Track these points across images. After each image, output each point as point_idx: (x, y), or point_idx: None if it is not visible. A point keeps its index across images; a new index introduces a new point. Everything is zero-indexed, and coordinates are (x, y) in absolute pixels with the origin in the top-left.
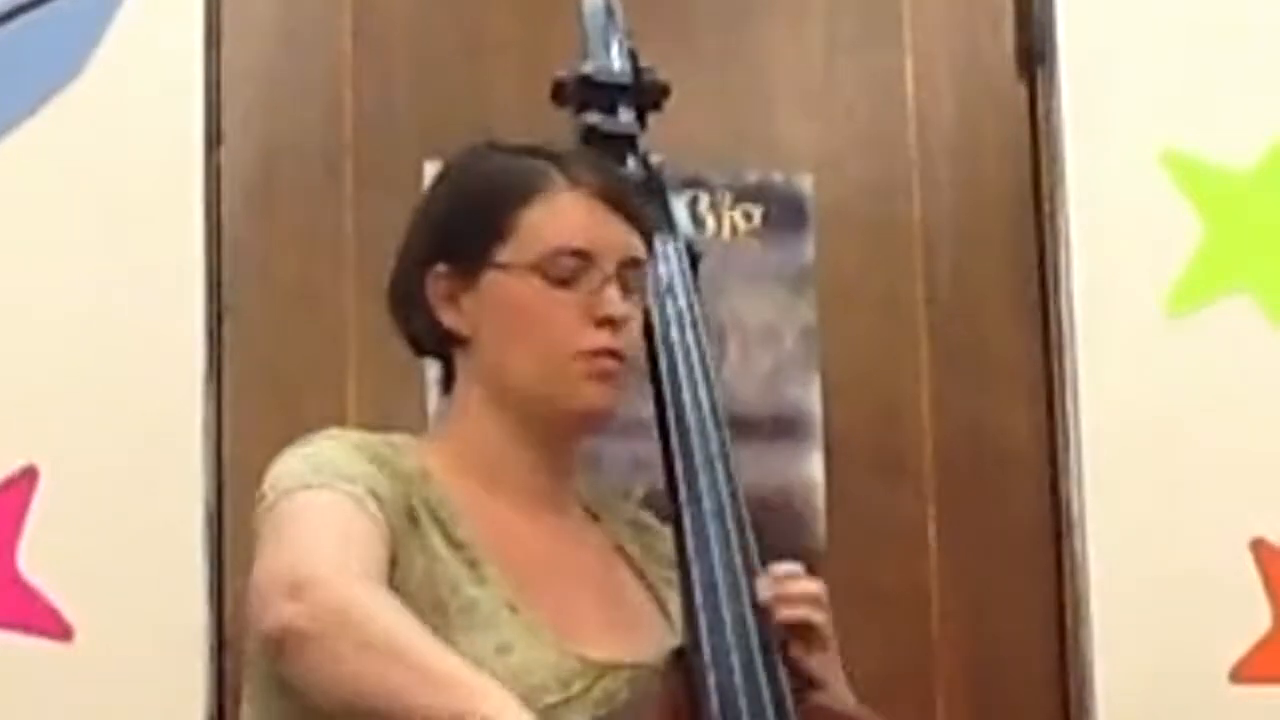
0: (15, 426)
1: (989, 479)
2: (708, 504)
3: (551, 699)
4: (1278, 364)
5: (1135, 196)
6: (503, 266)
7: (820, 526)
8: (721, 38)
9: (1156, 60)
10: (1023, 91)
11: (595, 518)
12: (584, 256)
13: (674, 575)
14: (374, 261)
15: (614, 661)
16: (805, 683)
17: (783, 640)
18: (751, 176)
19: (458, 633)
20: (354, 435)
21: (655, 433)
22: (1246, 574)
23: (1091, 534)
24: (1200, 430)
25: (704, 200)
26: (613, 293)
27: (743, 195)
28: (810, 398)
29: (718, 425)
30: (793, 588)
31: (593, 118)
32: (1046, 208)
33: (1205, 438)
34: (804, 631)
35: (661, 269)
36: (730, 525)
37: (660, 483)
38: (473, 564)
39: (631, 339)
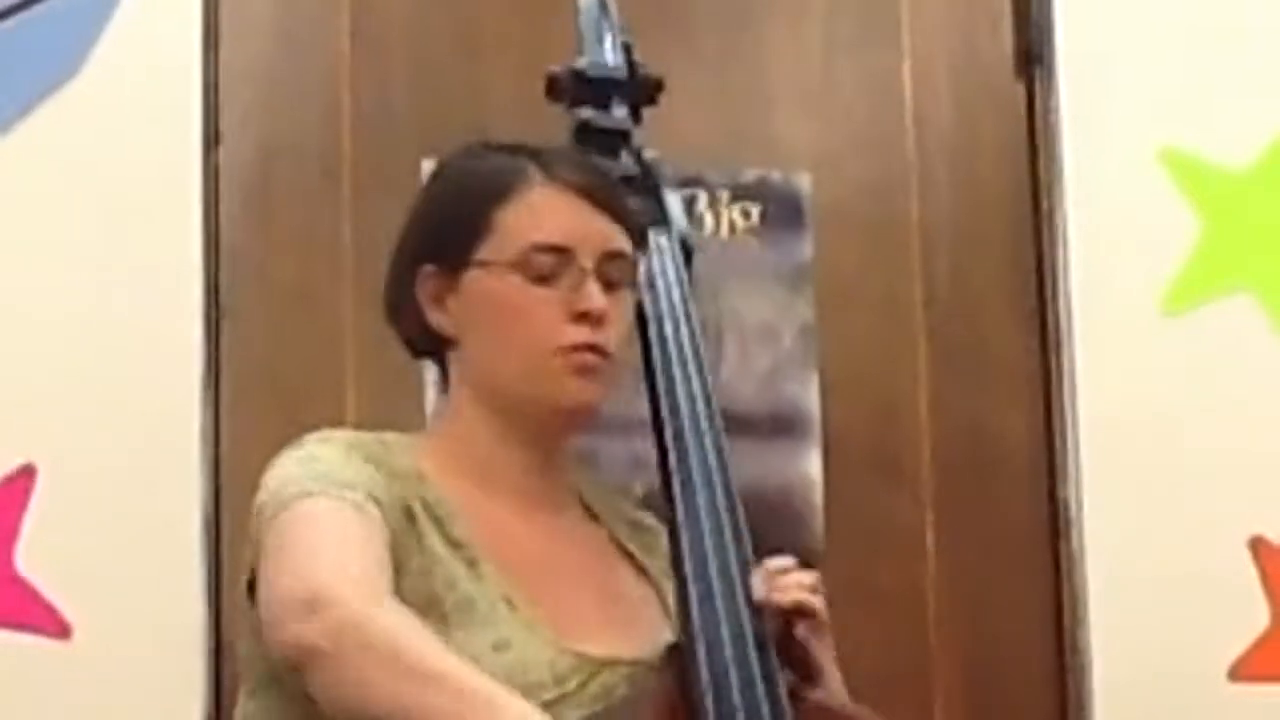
0: (14, 426)
1: (987, 478)
2: (701, 499)
3: (548, 695)
4: (1276, 363)
5: (1133, 196)
6: (483, 265)
7: (818, 525)
8: (720, 37)
9: (1154, 60)
10: (1021, 91)
11: (594, 516)
12: (562, 252)
13: None
14: (372, 263)
15: (612, 657)
16: (802, 678)
17: (778, 634)
18: (750, 175)
19: (455, 630)
20: (347, 435)
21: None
22: (1245, 573)
23: (1089, 533)
24: (1198, 429)
25: (702, 199)
26: (592, 287)
27: (741, 194)
28: (808, 396)
29: (711, 419)
30: (787, 580)
31: (586, 113)
32: (1044, 207)
33: (1203, 437)
34: (801, 616)
35: (654, 262)
36: (724, 520)
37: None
38: (470, 562)
39: (616, 333)
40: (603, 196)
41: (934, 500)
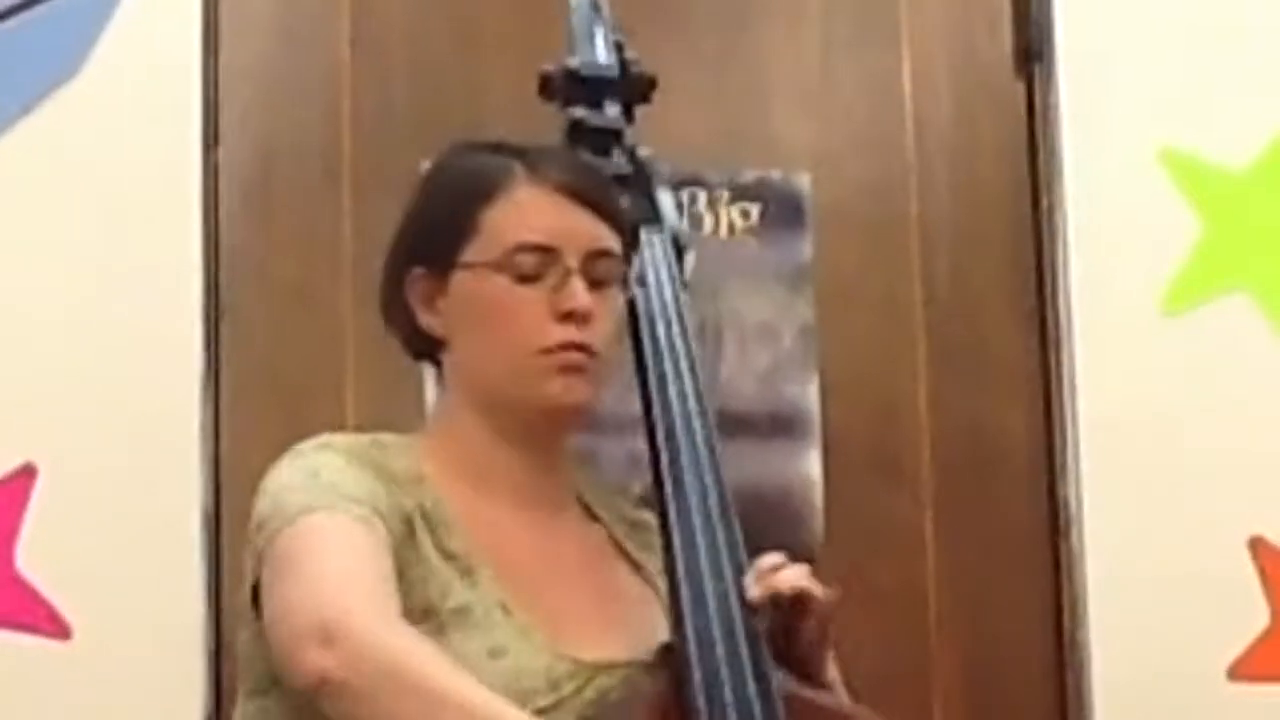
0: (13, 425)
1: (986, 477)
2: (693, 498)
3: (544, 701)
4: (1275, 363)
5: (1133, 195)
6: (469, 266)
7: (818, 525)
8: (719, 37)
9: (1154, 59)
10: (1020, 90)
11: (594, 516)
12: (547, 251)
13: None
14: (372, 263)
15: (608, 661)
16: (798, 677)
17: (774, 632)
18: (749, 175)
19: (451, 636)
20: (346, 442)
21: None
22: (1244, 572)
23: (1089, 532)
24: (1198, 429)
25: (701, 198)
26: (577, 286)
27: (740, 193)
28: (808, 396)
29: (703, 417)
30: (782, 574)
31: (578, 112)
32: (1044, 206)
33: (1203, 436)
34: (804, 606)
35: (646, 260)
36: (716, 519)
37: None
38: (466, 570)
39: (603, 332)
40: (589, 195)
41: (934, 500)
